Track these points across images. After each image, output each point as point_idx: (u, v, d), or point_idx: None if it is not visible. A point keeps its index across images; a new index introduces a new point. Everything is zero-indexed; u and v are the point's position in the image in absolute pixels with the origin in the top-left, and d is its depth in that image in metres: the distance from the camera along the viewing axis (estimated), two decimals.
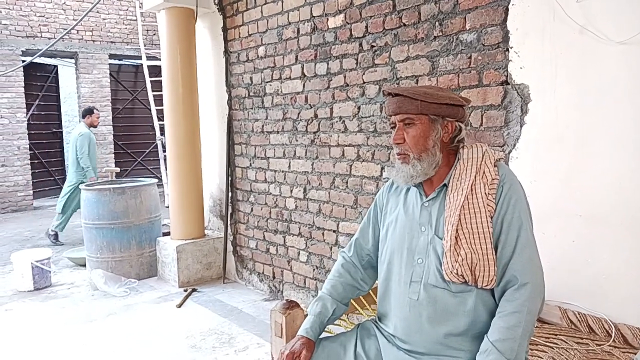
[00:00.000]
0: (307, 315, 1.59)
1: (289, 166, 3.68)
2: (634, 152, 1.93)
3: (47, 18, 8.73)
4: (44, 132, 9.54)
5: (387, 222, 1.55)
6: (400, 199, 1.54)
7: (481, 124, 2.43)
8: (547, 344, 1.89)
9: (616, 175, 1.98)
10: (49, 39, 8.51)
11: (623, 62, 1.94)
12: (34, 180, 8.97)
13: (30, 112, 9.02)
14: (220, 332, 3.28)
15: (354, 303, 2.01)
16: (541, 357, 1.80)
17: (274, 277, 3.95)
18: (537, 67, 2.20)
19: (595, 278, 2.05)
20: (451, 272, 1.34)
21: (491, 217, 1.35)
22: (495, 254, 1.34)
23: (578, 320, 2.02)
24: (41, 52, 7.04)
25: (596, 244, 2.05)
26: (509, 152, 2.32)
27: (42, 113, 9.50)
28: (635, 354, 1.80)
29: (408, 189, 1.53)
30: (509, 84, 2.31)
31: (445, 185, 1.43)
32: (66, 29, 7.85)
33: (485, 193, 1.36)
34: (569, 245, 2.13)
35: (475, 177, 1.38)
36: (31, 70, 8.94)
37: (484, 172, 1.39)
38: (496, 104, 2.36)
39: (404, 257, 1.45)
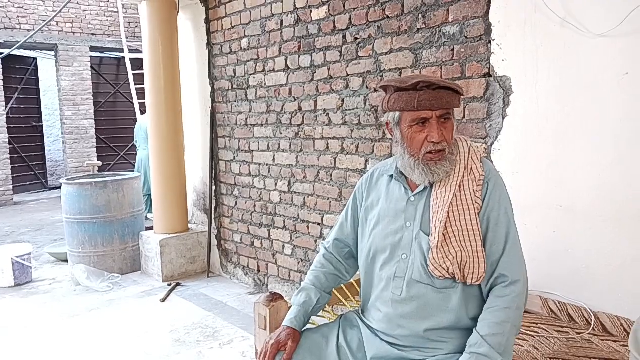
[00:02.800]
0: (291, 306, 1.59)
1: (273, 159, 3.66)
2: (613, 144, 1.95)
3: (25, 9, 8.55)
4: (23, 125, 9.36)
5: (369, 217, 1.53)
6: (382, 193, 1.51)
7: (464, 116, 2.45)
8: (528, 332, 1.92)
9: (596, 167, 2.00)
10: (28, 30, 8.33)
11: (603, 54, 1.96)
12: (14, 175, 8.81)
13: (9, 106, 8.85)
14: (204, 325, 3.27)
15: (338, 294, 2.01)
16: (522, 346, 1.83)
17: (258, 271, 3.94)
18: (519, 59, 2.21)
19: (575, 268, 2.08)
20: (438, 269, 1.34)
21: (478, 214, 1.35)
22: (484, 251, 1.35)
23: (558, 309, 2.05)
24: (20, 44, 6.92)
25: (576, 235, 2.08)
26: (492, 144, 2.34)
27: (22, 106, 9.33)
28: (615, 342, 1.83)
29: (389, 182, 1.50)
30: (491, 76, 2.32)
31: None
32: (45, 21, 7.71)
33: (473, 190, 1.36)
34: (550, 236, 2.16)
35: (463, 173, 1.38)
36: (10, 63, 8.76)
37: (471, 168, 1.38)
38: (479, 96, 2.38)
39: (387, 253, 1.44)
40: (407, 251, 1.40)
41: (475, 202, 1.35)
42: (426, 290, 1.36)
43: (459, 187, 1.36)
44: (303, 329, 1.53)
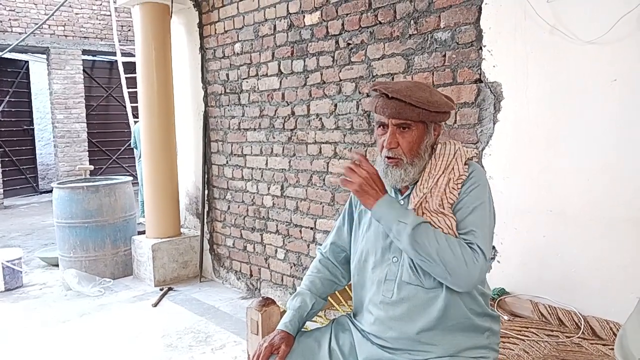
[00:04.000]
0: (284, 311, 1.59)
1: (266, 163, 3.67)
2: (603, 150, 1.98)
3: (17, 12, 8.51)
4: (14, 129, 9.30)
5: (362, 220, 1.54)
6: None
7: (455, 122, 2.46)
8: (519, 336, 1.94)
9: (586, 173, 2.03)
10: (20, 33, 8.29)
11: (592, 61, 1.99)
12: (5, 179, 8.75)
13: (0, 109, 8.79)
14: (196, 330, 3.26)
15: (330, 299, 2.02)
16: (512, 350, 1.84)
17: (251, 275, 3.93)
18: (510, 65, 2.24)
19: (565, 272, 2.10)
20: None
21: (452, 204, 1.36)
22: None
23: (548, 313, 2.06)
24: (11, 47, 6.88)
25: (566, 239, 2.10)
26: (482, 149, 2.36)
27: (13, 110, 9.27)
28: (604, 345, 1.85)
29: None
30: (482, 82, 2.35)
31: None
32: (37, 24, 7.67)
33: (450, 187, 1.37)
34: (540, 241, 2.18)
35: (443, 172, 1.39)
36: (1, 66, 8.72)
37: (452, 168, 1.40)
38: (470, 102, 2.40)
39: (378, 256, 1.45)
40: (397, 254, 1.41)
41: (450, 198, 1.36)
42: (416, 290, 1.37)
43: (435, 183, 1.38)
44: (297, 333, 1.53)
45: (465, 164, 1.41)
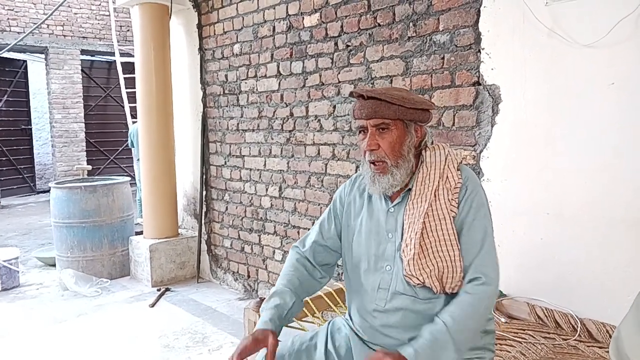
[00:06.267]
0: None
1: (265, 164, 3.67)
2: (600, 152, 1.99)
3: (16, 12, 8.50)
4: (12, 128, 9.28)
5: (352, 225, 1.51)
6: (365, 200, 1.50)
7: (453, 124, 2.47)
8: (516, 338, 1.94)
9: (583, 175, 2.04)
10: (18, 33, 8.28)
11: (589, 64, 2.00)
12: (2, 178, 8.73)
13: None
14: (193, 331, 3.26)
15: (327, 300, 2.02)
16: (509, 352, 1.85)
17: (248, 276, 3.93)
18: (508, 68, 2.25)
19: (562, 275, 2.11)
20: (412, 279, 1.33)
21: (454, 220, 1.34)
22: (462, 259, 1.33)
23: (545, 315, 2.07)
24: (9, 46, 6.87)
25: (563, 242, 2.11)
26: (481, 152, 2.37)
27: (11, 109, 9.25)
28: (600, 348, 1.85)
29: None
30: (480, 84, 2.35)
31: (410, 189, 1.40)
32: (36, 23, 7.66)
33: (449, 199, 1.34)
34: (538, 243, 2.19)
35: (438, 182, 1.36)
36: None
37: (447, 177, 1.37)
38: (468, 104, 2.41)
39: (371, 264, 1.42)
40: (390, 263, 1.38)
41: (452, 211, 1.34)
42: (409, 301, 1.35)
43: (435, 196, 1.35)
44: (292, 336, 1.50)
45: (457, 169, 1.39)
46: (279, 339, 1.35)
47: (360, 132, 1.41)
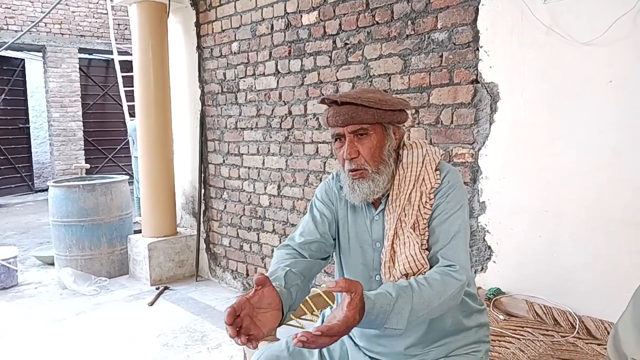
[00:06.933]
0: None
1: (263, 163, 3.67)
2: (599, 150, 1.99)
3: (14, 10, 8.48)
4: (10, 127, 9.26)
5: (340, 229, 1.45)
6: (347, 210, 1.44)
7: (451, 122, 2.47)
8: (515, 335, 1.95)
9: (582, 173, 2.04)
10: (16, 31, 8.26)
11: (588, 62, 2.00)
12: (0, 177, 8.71)
13: None
14: (192, 329, 3.26)
15: (326, 298, 2.02)
16: (508, 349, 1.85)
17: (247, 275, 3.93)
18: (506, 66, 2.25)
19: (560, 272, 2.12)
20: (388, 280, 1.30)
21: (427, 223, 1.30)
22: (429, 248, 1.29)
23: (544, 312, 2.08)
24: (7, 44, 6.86)
25: (562, 240, 2.11)
26: (479, 150, 2.37)
27: (8, 108, 9.24)
28: (599, 345, 1.86)
29: None
30: (479, 82, 2.35)
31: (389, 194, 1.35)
32: (34, 22, 7.65)
33: (423, 202, 1.30)
34: (536, 240, 2.19)
35: (414, 185, 1.32)
36: None
37: (423, 179, 1.32)
38: (466, 102, 2.41)
39: (359, 272, 1.39)
40: (379, 272, 1.36)
41: (425, 214, 1.30)
42: None
43: (408, 200, 1.31)
44: (286, 337, 1.44)
45: (436, 169, 1.33)
46: (277, 337, 1.33)
47: (336, 140, 1.34)
